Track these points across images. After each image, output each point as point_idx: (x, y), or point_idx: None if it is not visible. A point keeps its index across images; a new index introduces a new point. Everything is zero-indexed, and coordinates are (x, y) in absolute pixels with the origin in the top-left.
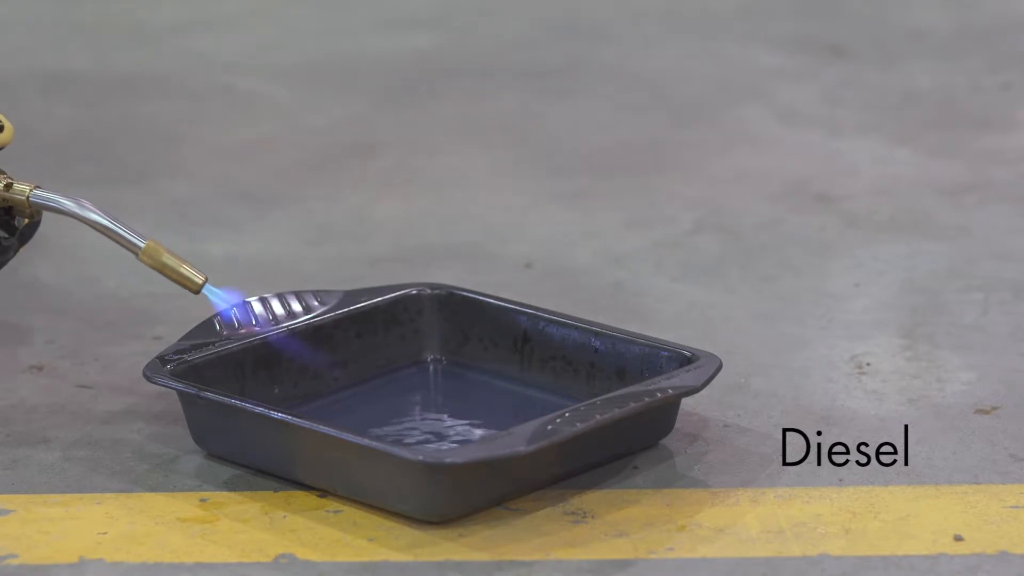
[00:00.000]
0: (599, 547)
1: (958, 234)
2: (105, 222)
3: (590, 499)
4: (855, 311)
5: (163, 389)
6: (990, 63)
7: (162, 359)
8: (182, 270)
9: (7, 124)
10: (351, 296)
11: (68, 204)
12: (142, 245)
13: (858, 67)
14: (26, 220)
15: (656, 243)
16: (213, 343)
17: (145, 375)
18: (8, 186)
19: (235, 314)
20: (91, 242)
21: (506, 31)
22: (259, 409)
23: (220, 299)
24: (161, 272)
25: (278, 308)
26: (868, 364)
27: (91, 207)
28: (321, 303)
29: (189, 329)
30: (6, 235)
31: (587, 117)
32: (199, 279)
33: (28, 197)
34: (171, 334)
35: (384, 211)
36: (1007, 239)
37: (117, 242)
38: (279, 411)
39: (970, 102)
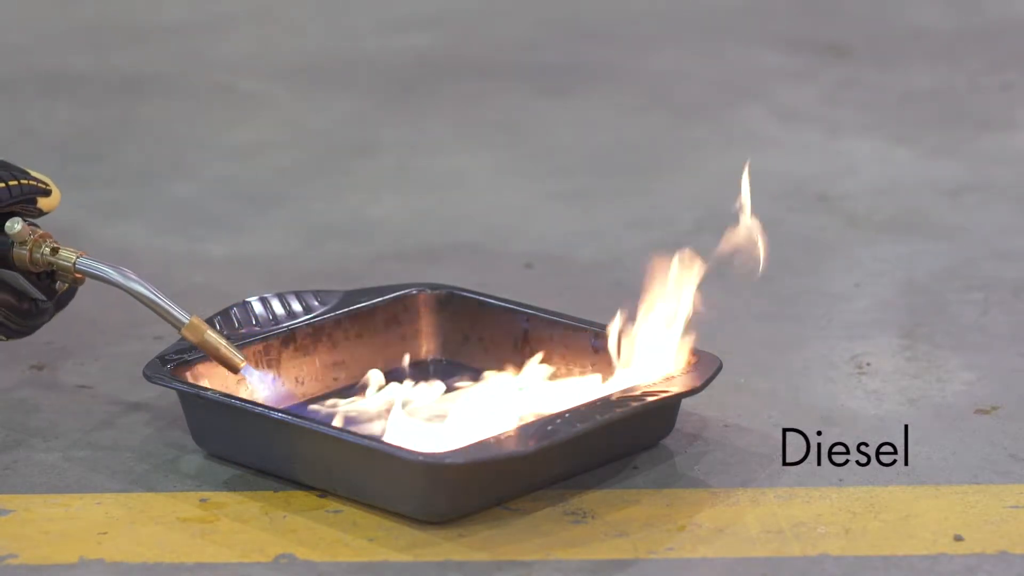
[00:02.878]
0: (599, 547)
1: (958, 234)
2: (149, 294)
3: (590, 499)
4: (855, 311)
5: (163, 389)
6: (990, 63)
7: (162, 359)
8: (222, 350)
9: (55, 189)
10: (351, 296)
11: (112, 274)
12: (185, 320)
13: (858, 67)
14: (65, 285)
15: (656, 243)
16: None
17: (145, 375)
18: (55, 251)
19: (235, 314)
20: (91, 242)
21: (506, 31)
22: (259, 409)
23: (256, 379)
24: (202, 348)
25: (278, 308)
26: (868, 364)
27: (135, 277)
28: (321, 303)
29: None
30: (44, 299)
31: (587, 117)
32: (239, 360)
33: (75, 263)
34: (171, 334)
35: (384, 211)
36: (1007, 239)
37: (160, 315)
38: (279, 411)
39: (970, 102)
